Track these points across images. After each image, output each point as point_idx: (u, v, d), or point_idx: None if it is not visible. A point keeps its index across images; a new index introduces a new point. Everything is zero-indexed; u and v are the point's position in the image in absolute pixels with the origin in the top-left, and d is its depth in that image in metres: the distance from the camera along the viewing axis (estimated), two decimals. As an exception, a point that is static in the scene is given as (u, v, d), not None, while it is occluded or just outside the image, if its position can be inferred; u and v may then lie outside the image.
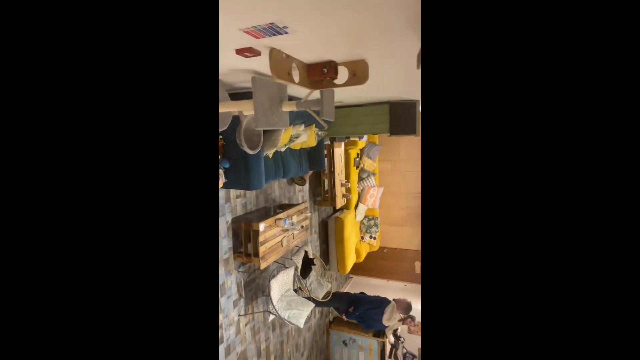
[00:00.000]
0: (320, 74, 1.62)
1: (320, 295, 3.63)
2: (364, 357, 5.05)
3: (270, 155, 3.08)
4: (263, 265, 2.96)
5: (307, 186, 4.54)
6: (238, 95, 2.47)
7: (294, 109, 2.06)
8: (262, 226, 2.92)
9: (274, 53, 1.47)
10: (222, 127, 2.25)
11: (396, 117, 3.66)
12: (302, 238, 3.65)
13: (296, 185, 4.25)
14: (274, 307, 2.99)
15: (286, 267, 3.36)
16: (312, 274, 3.82)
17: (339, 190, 4.71)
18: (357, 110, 3.82)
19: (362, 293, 4.31)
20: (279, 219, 3.18)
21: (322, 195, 4.85)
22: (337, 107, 3.76)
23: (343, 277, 6.09)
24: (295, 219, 3.49)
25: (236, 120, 2.39)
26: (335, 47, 1.54)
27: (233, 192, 3.10)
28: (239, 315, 3.16)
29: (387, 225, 6.14)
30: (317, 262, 3.84)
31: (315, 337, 4.91)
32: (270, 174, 3.05)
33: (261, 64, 1.71)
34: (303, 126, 3.28)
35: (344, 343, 5.16)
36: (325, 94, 1.89)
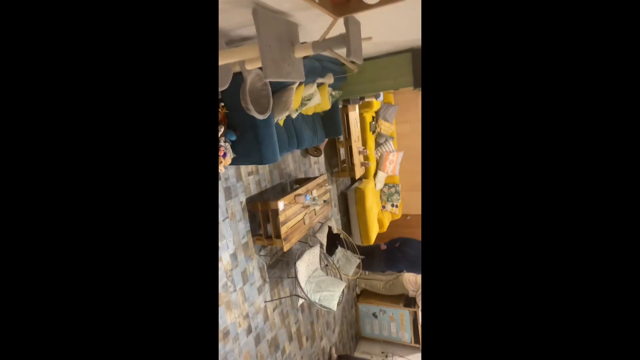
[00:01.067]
0: (347, -10, 1.15)
1: (350, 271, 3.33)
2: (396, 327, 4.86)
3: (282, 123, 2.65)
4: (287, 247, 2.63)
5: (322, 157, 4.12)
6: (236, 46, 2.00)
7: (310, 52, 1.59)
8: (281, 205, 2.55)
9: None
10: (222, 86, 1.82)
11: (419, 67, 3.14)
12: (324, 213, 3.29)
13: (311, 157, 3.84)
14: (302, 290, 2.69)
15: (311, 246, 3.03)
16: (339, 249, 3.50)
17: (357, 159, 4.29)
18: (373, 64, 3.30)
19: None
20: (299, 195, 2.81)
21: (339, 165, 4.44)
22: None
23: (366, 249, 5.81)
24: (315, 193, 3.11)
25: (238, 79, 1.94)
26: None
27: (244, 169, 2.72)
28: (265, 302, 2.88)
29: (408, 192, 5.75)
30: (342, 236, 3.50)
31: (344, 313, 4.70)
32: (283, 145, 2.64)
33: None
34: (315, 85, 2.81)
35: (374, 315, 4.96)
36: (352, 25, 1.42)
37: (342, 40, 1.45)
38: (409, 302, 4.76)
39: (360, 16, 1.53)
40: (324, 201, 3.09)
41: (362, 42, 1.59)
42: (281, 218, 2.58)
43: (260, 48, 1.36)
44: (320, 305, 2.75)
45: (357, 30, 1.50)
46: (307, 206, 2.97)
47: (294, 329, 3.35)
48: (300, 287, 2.69)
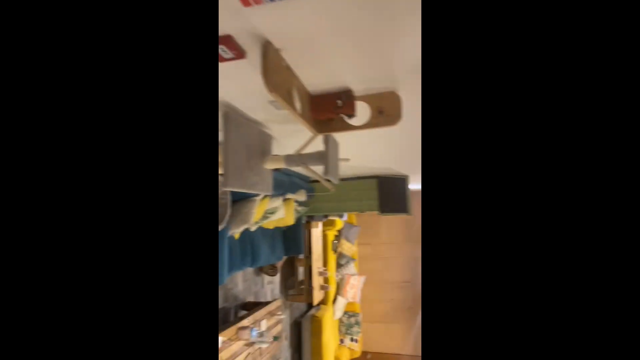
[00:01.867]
0: (332, 109, 1.05)
1: None
2: None
3: (237, 236, 2.30)
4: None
5: (277, 276, 3.63)
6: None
7: (282, 165, 1.42)
8: (218, 342, 1.94)
9: (270, 52, 0.88)
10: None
11: (385, 193, 3.18)
12: (272, 352, 2.61)
13: (265, 276, 3.34)
14: None
15: None
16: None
17: (316, 281, 3.84)
18: (342, 185, 3.30)
19: None
20: (243, 327, 2.22)
21: (295, 287, 3.91)
22: (316, 182, 3.23)
23: (318, 398, 4.66)
24: (264, 325, 2.52)
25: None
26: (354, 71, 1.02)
27: (179, 289, 2.17)
28: None
29: (369, 323, 5.11)
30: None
31: None
32: (235, 263, 2.22)
33: (241, 80, 1.10)
34: (281, 199, 2.62)
35: None
36: (331, 143, 1.30)
37: (319, 157, 1.30)
38: None
39: (338, 136, 1.46)
40: (274, 338, 2.48)
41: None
42: (214, 363, 1.92)
43: (225, 153, 1.15)
44: None
45: (335, 149, 1.39)
46: (252, 343, 2.33)
47: None
48: None
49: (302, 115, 1.02)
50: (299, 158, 1.35)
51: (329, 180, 1.44)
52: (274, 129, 1.54)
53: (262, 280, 3.28)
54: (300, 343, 3.96)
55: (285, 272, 3.85)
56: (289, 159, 1.37)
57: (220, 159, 1.24)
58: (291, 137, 1.66)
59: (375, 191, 3.20)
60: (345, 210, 3.28)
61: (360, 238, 5.33)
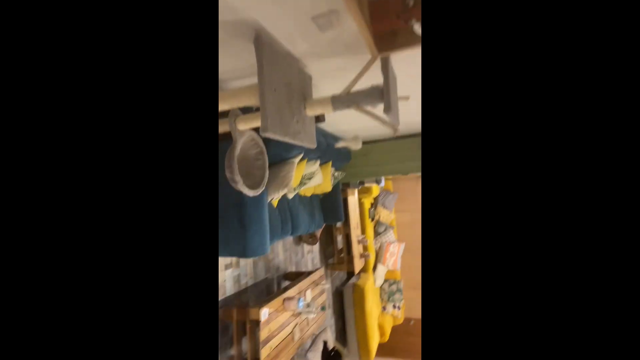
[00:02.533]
0: (398, 12, 0.76)
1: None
2: None
3: (275, 203, 2.13)
4: (267, 381, 1.79)
5: (317, 246, 3.50)
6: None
7: (329, 110, 1.17)
8: (265, 313, 1.83)
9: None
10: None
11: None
12: (319, 322, 2.51)
13: (305, 245, 3.21)
14: None
15: (300, 374, 2.17)
16: (335, 375, 2.58)
17: (356, 249, 3.67)
18: (379, 147, 3.01)
19: None
20: (289, 298, 2.10)
21: (335, 256, 3.78)
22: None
23: (362, 362, 4.67)
24: (310, 295, 2.40)
25: (225, 143, 1.48)
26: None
27: (221, 260, 2.06)
28: None
29: (411, 290, 4.96)
30: (339, 350, 2.62)
31: None
32: (275, 231, 2.06)
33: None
34: (318, 163, 2.39)
35: None
36: (390, 71, 1.03)
37: (374, 94, 1.03)
38: None
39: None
40: (322, 308, 2.36)
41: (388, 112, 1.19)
42: (263, 333, 1.82)
43: (261, 90, 0.92)
44: None
45: (394, 81, 1.10)
46: (299, 314, 2.23)
47: None
48: None
49: (361, 33, 0.74)
50: (349, 98, 1.09)
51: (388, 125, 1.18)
52: (311, 68, 1.28)
53: (302, 250, 3.16)
54: (343, 311, 3.90)
55: (324, 241, 3.71)
56: (336, 100, 1.11)
57: (252, 101, 1.00)
58: (331, 78, 1.39)
59: (419, 150, 2.88)
60: (385, 174, 3.01)
61: (398, 205, 5.06)
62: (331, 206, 2.89)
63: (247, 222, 1.63)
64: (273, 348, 1.89)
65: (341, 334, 3.86)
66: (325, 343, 2.51)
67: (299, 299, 2.10)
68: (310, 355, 2.35)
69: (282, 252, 2.78)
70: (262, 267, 2.46)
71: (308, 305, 2.20)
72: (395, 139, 2.97)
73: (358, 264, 3.69)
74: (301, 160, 2.11)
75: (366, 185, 4.12)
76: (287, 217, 2.25)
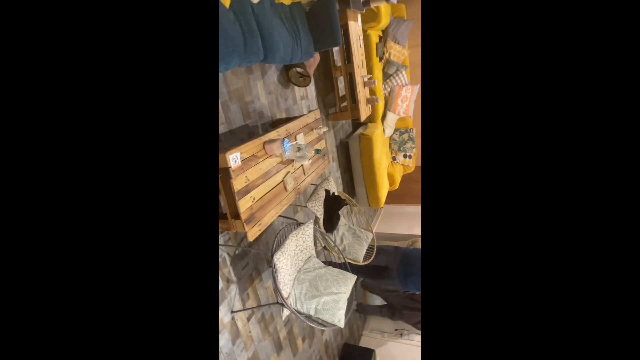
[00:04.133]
0: None
1: (360, 254, 2.23)
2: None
3: (227, 3, 1.34)
4: (252, 233, 1.48)
5: (312, 88, 2.82)
6: None
7: None
8: (233, 158, 1.34)
9: None
10: None
11: None
12: (318, 171, 2.11)
13: (295, 88, 2.54)
14: (285, 302, 1.59)
15: (298, 223, 1.89)
16: (342, 222, 2.37)
17: (362, 93, 2.99)
18: None
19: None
20: (271, 141, 1.58)
21: (337, 104, 3.15)
22: None
23: (371, 211, 4.73)
24: (301, 139, 1.89)
25: None
26: None
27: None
28: (233, 312, 1.81)
29: (423, 139, 4.52)
30: (345, 199, 2.35)
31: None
32: (234, 47, 1.36)
33: None
34: None
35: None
36: None
37: None
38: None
39: None
40: (317, 151, 1.88)
41: None
42: (236, 184, 1.38)
43: None
44: (318, 321, 1.68)
45: None
46: (290, 161, 1.77)
47: (283, 334, 2.34)
48: (282, 297, 1.59)
49: None
50: None
51: None
52: None
53: (294, 94, 2.51)
54: (350, 165, 3.57)
55: (323, 87, 3.01)
56: None
57: None
58: None
59: None
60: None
61: (413, 38, 4.02)
62: (322, 24, 2.04)
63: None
64: (256, 199, 1.50)
65: (348, 186, 3.65)
66: (327, 191, 2.18)
67: (283, 141, 1.59)
68: (310, 204, 2.04)
69: (265, 95, 2.15)
70: (237, 111, 1.88)
71: (299, 149, 1.71)
72: None
73: (364, 111, 3.08)
74: None
75: (372, 6, 3.06)
76: (253, 30, 1.49)
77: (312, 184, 2.32)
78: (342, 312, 1.65)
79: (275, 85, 2.25)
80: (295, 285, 1.71)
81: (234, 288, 1.82)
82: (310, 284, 1.74)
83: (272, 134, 1.62)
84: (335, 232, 2.25)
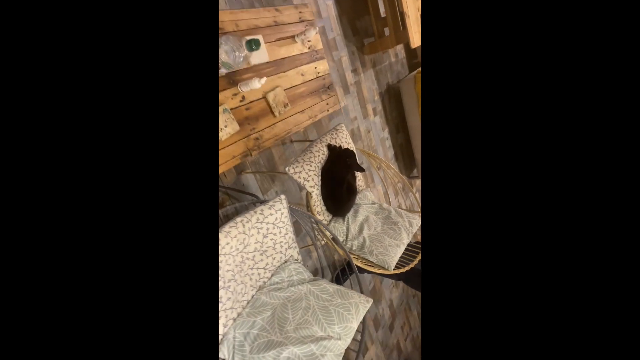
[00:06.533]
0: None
1: (394, 254, 1.25)
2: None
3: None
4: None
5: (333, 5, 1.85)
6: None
7: None
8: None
9: None
10: None
11: None
12: (312, 113, 1.19)
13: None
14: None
15: (262, 201, 1.02)
16: (367, 199, 1.41)
17: (413, 6, 1.88)
18: None
19: None
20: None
21: (375, 30, 2.10)
22: None
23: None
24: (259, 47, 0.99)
25: None
26: None
27: None
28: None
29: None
30: (356, 163, 1.34)
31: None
32: None
33: None
34: None
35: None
36: None
37: None
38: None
39: None
40: (250, 44, 0.96)
41: None
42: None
43: None
44: None
45: None
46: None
47: None
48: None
49: None
50: None
51: None
52: None
53: None
54: (404, 119, 2.48)
55: (351, 7, 2.01)
56: None
57: None
58: None
59: None
60: None
61: None
62: None
63: None
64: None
65: (403, 151, 2.57)
66: (333, 148, 1.24)
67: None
68: (293, 169, 1.15)
69: None
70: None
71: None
72: None
73: (417, 33, 1.97)
74: None
75: None
76: None
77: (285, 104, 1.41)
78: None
79: None
80: (241, 319, 0.88)
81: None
82: (272, 315, 0.88)
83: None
84: (349, 216, 1.31)
